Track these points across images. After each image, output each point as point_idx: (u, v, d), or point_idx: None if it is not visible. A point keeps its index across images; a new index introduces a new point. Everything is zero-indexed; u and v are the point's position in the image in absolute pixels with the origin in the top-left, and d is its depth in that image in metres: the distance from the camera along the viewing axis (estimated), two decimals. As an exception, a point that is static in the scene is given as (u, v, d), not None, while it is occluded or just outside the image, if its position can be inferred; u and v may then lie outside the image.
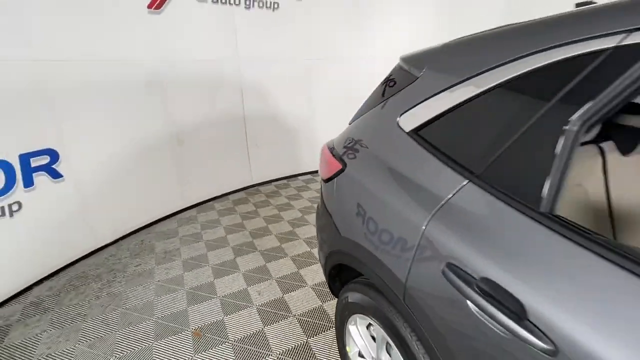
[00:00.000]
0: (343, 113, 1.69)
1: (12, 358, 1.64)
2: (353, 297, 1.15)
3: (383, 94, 1.18)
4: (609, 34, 0.57)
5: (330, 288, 1.43)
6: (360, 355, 1.26)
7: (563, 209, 0.61)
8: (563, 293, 0.54)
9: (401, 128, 0.99)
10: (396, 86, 1.12)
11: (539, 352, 0.53)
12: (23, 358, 1.64)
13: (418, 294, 0.80)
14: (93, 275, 2.27)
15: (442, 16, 3.85)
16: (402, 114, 1.01)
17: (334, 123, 2.01)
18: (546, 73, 0.68)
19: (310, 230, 2.75)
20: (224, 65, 3.20)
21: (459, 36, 0.98)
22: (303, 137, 3.93)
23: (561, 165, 0.59)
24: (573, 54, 0.63)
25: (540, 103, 0.66)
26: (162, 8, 2.65)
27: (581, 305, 0.52)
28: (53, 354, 1.65)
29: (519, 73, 0.72)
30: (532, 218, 0.62)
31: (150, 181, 2.85)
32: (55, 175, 2.20)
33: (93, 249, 2.50)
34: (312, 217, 2.93)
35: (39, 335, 1.78)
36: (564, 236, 0.57)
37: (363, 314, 1.11)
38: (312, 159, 3.95)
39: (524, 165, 0.67)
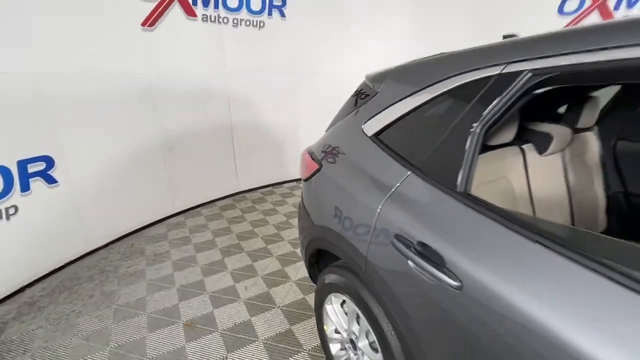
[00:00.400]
0: (323, 122, 1.91)
1: (10, 352, 1.73)
2: (329, 278, 1.34)
3: (355, 104, 1.40)
4: (496, 64, 0.81)
5: (310, 276, 1.62)
6: (337, 332, 1.44)
7: (492, 196, 0.83)
8: (469, 248, 0.76)
9: (365, 133, 1.22)
10: (365, 98, 1.35)
11: (452, 289, 0.74)
12: (20, 351, 1.73)
13: (376, 262, 1.00)
14: (86, 277, 2.37)
15: (412, 39, 4.20)
16: (366, 121, 1.24)
17: (315, 132, 2.22)
18: (464, 89, 0.91)
19: (294, 232, 2.93)
20: (212, 78, 3.40)
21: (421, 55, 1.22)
22: (287, 145, 4.14)
23: (469, 158, 0.82)
24: (478, 77, 0.86)
25: (458, 111, 0.90)
26: (155, 26, 2.85)
27: (480, 255, 0.74)
28: (50, 347, 1.75)
29: (447, 89, 0.96)
30: (452, 197, 0.84)
31: (141, 187, 2.98)
32: (51, 180, 2.32)
33: (85, 252, 2.60)
34: (295, 221, 3.11)
35: (35, 331, 1.87)
36: (474, 209, 0.79)
37: (337, 292, 1.30)
38: (296, 166, 4.15)
39: (447, 158, 0.89)
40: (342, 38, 4.06)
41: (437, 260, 0.78)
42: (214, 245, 2.76)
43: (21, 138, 2.15)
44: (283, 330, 1.81)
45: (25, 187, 2.17)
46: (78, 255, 2.55)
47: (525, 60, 0.76)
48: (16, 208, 2.13)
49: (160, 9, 2.87)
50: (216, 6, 3.26)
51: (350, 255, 1.10)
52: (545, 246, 0.64)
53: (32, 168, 2.20)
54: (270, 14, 3.65)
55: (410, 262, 0.85)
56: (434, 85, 0.99)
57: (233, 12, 3.39)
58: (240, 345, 1.72)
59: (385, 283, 0.97)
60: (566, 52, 0.69)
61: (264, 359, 1.64)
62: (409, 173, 0.97)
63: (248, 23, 3.51)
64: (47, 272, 2.36)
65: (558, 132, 1.18)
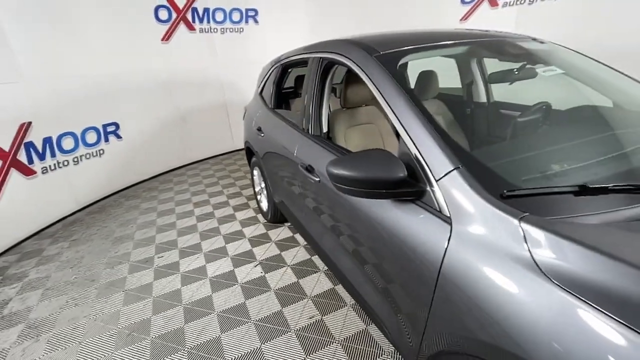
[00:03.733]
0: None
1: (126, 224, 3.49)
2: (252, 161, 2.96)
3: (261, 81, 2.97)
4: (312, 52, 2.33)
5: (248, 161, 3.23)
6: (257, 186, 3.07)
7: (361, 142, 2.39)
8: (316, 158, 2.33)
9: (260, 94, 2.80)
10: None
11: (317, 181, 2.27)
12: (139, 213, 3.49)
13: (264, 156, 2.61)
14: (137, 194, 4.12)
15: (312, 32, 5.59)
16: (260, 88, 2.82)
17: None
18: (304, 62, 2.46)
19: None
20: (209, 71, 5.01)
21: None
22: (267, 116, 5.73)
23: (313, 111, 2.39)
24: (302, 59, 2.37)
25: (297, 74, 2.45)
26: (169, 40, 4.47)
27: (318, 162, 2.30)
28: (148, 217, 3.50)
29: (293, 60, 2.50)
30: (306, 137, 2.40)
31: (166, 144, 4.69)
32: (118, 136, 4.06)
33: (135, 182, 4.36)
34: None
35: (129, 211, 3.63)
36: (315, 141, 2.35)
37: (255, 166, 2.93)
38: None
39: (301, 106, 2.43)
40: (296, 36, 5.53)
41: (311, 170, 2.26)
42: (216, 183, 4.43)
43: (102, 112, 3.88)
44: (258, 278, 3.47)
45: (106, 140, 3.92)
46: (131, 184, 4.32)
47: (317, 52, 2.24)
48: (103, 151, 3.88)
49: (172, 28, 4.49)
50: (208, 21, 4.83)
51: (257, 152, 2.70)
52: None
53: (109, 128, 3.94)
54: (247, 22, 5.18)
55: (303, 171, 2.41)
56: (291, 58, 2.48)
57: (220, 24, 4.95)
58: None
59: (259, 150, 2.57)
60: (316, 52, 2.21)
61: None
62: (268, 110, 2.54)
63: (231, 30, 5.07)
64: (117, 189, 4.14)
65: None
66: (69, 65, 3.48)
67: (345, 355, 1.62)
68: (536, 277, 0.69)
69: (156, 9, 4.33)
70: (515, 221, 0.76)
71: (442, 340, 0.90)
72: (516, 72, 1.57)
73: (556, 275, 0.67)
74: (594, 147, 1.13)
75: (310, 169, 1.69)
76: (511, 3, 4.70)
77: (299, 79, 3.05)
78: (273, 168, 2.38)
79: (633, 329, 0.55)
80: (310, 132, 1.85)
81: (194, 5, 4.68)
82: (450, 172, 0.90)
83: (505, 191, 0.83)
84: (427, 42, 1.45)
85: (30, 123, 3.14)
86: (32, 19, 3.13)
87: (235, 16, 5.06)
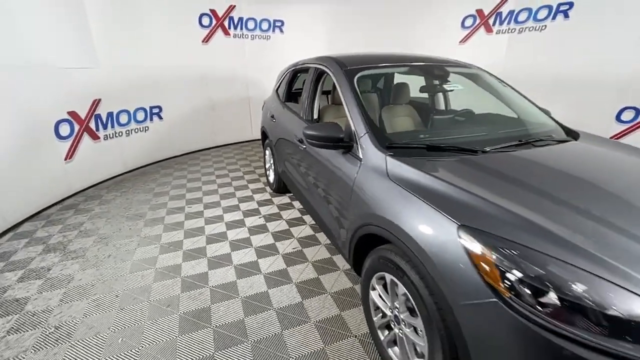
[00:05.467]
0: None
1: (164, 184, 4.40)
2: (265, 143, 3.79)
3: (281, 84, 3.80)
4: (311, 63, 3.15)
5: (262, 143, 4.06)
6: (268, 167, 3.88)
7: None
8: (286, 132, 3.15)
9: (277, 93, 3.63)
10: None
11: (304, 148, 3.10)
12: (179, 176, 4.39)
13: (271, 133, 3.44)
14: (171, 165, 5.03)
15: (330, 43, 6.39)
16: (277, 88, 3.65)
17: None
18: (306, 70, 3.29)
19: (276, 155, 5.39)
20: (238, 70, 5.92)
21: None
22: (284, 113, 6.59)
23: (307, 104, 3.20)
24: (308, 66, 3.19)
25: (304, 77, 3.28)
26: (208, 42, 5.40)
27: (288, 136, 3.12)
28: (181, 180, 4.40)
29: (301, 67, 3.33)
30: (302, 121, 3.22)
31: (198, 128, 5.61)
32: (160, 118, 4.99)
33: (172, 156, 5.29)
34: (279, 151, 5.57)
35: (168, 176, 4.53)
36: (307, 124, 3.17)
37: (268, 147, 3.75)
38: (288, 126, 6.58)
39: (301, 101, 3.24)
40: (315, 45, 6.38)
41: (304, 139, 3.10)
42: (235, 163, 5.29)
43: (150, 96, 4.82)
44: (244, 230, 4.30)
45: (151, 119, 4.85)
46: (170, 156, 5.24)
47: (313, 63, 3.05)
48: (148, 127, 4.82)
49: (211, 33, 5.42)
50: (241, 28, 5.74)
51: (269, 134, 3.53)
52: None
53: (154, 110, 4.87)
54: (274, 31, 6.07)
55: (298, 143, 3.19)
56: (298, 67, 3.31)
57: (251, 31, 5.86)
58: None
59: (271, 133, 3.39)
60: (314, 63, 3.02)
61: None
62: (280, 103, 3.37)
63: (260, 37, 5.96)
64: (155, 160, 5.06)
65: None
66: (130, 58, 4.43)
67: (334, 304, 2.39)
68: (388, 180, 1.45)
69: (200, 16, 5.27)
70: (384, 156, 1.52)
71: (358, 220, 1.64)
72: (437, 86, 2.33)
73: (395, 178, 1.43)
74: (446, 129, 1.90)
75: (300, 141, 2.47)
76: (503, 31, 5.42)
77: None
78: (279, 145, 3.19)
79: (422, 200, 1.29)
80: (305, 118, 2.64)
81: (231, 14, 5.60)
82: (363, 135, 1.68)
83: (387, 144, 1.60)
84: (381, 62, 2.23)
85: (100, 100, 4.09)
86: (110, 21, 4.09)
87: (264, 25, 5.96)
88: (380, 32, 6.19)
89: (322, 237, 2.82)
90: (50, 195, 3.56)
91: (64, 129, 3.66)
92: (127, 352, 1.71)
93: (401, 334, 1.44)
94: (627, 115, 4.18)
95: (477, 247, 1.01)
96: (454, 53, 5.96)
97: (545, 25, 4.91)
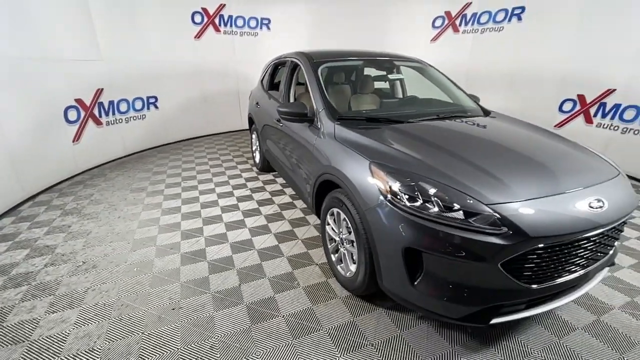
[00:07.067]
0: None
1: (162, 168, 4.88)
2: (252, 128, 4.31)
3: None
4: (287, 57, 3.68)
5: (249, 128, 4.59)
6: (255, 149, 4.41)
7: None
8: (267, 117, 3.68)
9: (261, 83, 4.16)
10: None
11: (281, 126, 3.65)
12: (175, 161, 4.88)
13: (255, 114, 3.96)
14: (167, 150, 5.51)
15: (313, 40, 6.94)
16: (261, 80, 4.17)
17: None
18: (283, 63, 3.82)
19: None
20: (228, 65, 6.40)
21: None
22: (271, 104, 7.11)
23: (285, 90, 3.73)
24: (285, 60, 3.73)
25: (283, 71, 3.81)
26: (200, 38, 5.87)
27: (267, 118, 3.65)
28: (177, 164, 4.88)
29: (281, 61, 3.86)
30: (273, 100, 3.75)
31: (191, 118, 6.08)
32: (156, 107, 5.46)
33: (167, 142, 5.76)
34: (266, 139, 6.09)
35: (163, 160, 5.01)
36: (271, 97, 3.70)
37: (255, 131, 4.27)
38: (275, 117, 7.11)
39: (280, 89, 3.77)
40: (299, 42, 6.89)
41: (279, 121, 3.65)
42: (226, 148, 5.79)
43: (147, 87, 5.28)
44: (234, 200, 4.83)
45: (148, 108, 5.32)
46: (165, 143, 5.72)
47: (290, 57, 3.57)
48: (145, 116, 5.29)
49: (202, 29, 5.89)
50: (231, 25, 6.23)
51: (255, 118, 4.06)
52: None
53: (150, 100, 5.34)
54: (261, 28, 6.57)
55: (275, 120, 3.73)
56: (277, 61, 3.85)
57: (240, 28, 6.35)
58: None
59: (256, 118, 3.92)
60: (290, 57, 3.56)
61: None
62: (264, 92, 3.89)
63: (248, 34, 6.45)
64: (152, 146, 5.53)
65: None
66: (129, 51, 4.89)
67: (304, 247, 2.95)
68: (335, 141, 2.01)
69: (193, 14, 5.74)
70: (334, 125, 2.09)
71: (317, 172, 2.19)
72: (386, 76, 2.92)
73: (340, 139, 1.99)
74: (391, 109, 2.49)
75: (278, 120, 3.01)
76: (468, 31, 6.04)
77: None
78: (263, 128, 3.73)
79: (357, 153, 1.85)
80: (283, 102, 3.18)
81: (222, 12, 6.07)
82: (321, 110, 2.24)
83: (337, 117, 2.16)
84: (343, 56, 2.79)
85: (102, 89, 4.55)
86: (111, 18, 4.54)
87: (252, 23, 6.45)
88: (359, 31, 6.75)
89: (299, 203, 3.37)
90: (61, 172, 4.02)
91: (72, 114, 4.13)
92: (143, 275, 2.24)
93: (344, 250, 2.00)
94: (567, 106, 4.83)
95: (378, 173, 1.58)
96: (426, 50, 6.57)
97: (503, 27, 5.53)
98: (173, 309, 1.93)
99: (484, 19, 5.76)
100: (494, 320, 1.42)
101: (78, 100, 4.20)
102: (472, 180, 1.47)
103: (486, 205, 1.36)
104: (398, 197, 1.48)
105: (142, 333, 1.76)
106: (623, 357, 1.61)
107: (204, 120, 6.35)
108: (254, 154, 4.49)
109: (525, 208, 1.36)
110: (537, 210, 1.36)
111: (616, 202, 1.49)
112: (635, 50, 3.96)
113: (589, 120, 4.58)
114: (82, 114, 4.28)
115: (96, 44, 4.38)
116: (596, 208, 1.42)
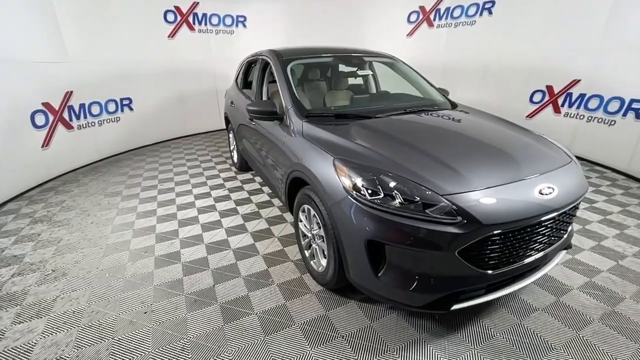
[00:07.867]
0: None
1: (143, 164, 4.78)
2: (229, 127, 4.28)
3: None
4: (258, 55, 3.66)
5: (226, 127, 4.55)
6: (232, 149, 4.38)
7: None
8: (239, 112, 3.66)
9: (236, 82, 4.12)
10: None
11: (254, 124, 3.63)
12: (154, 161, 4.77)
13: (231, 115, 3.93)
14: (144, 152, 5.40)
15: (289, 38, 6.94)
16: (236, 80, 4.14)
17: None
18: (255, 61, 3.79)
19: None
20: (205, 63, 6.30)
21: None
22: (250, 103, 7.06)
23: (257, 89, 3.71)
24: (256, 57, 3.70)
25: (254, 66, 3.79)
26: (174, 37, 5.76)
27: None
28: (160, 164, 4.79)
29: (253, 59, 3.84)
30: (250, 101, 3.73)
31: (167, 119, 5.97)
32: (131, 109, 5.33)
33: (144, 145, 5.65)
34: (246, 137, 6.04)
35: (146, 160, 4.91)
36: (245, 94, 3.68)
37: (231, 130, 4.24)
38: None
39: (252, 87, 3.75)
40: (275, 39, 6.86)
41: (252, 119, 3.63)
42: (205, 149, 5.72)
43: (121, 88, 5.15)
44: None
45: (122, 110, 5.20)
46: (141, 145, 5.60)
47: (261, 55, 3.56)
48: (119, 118, 5.16)
49: (176, 28, 5.78)
50: (205, 24, 6.12)
51: (230, 117, 4.03)
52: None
53: (124, 101, 5.22)
54: (237, 26, 6.49)
55: (248, 119, 3.70)
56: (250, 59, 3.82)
57: (215, 26, 6.25)
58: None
59: (232, 117, 3.89)
60: (262, 55, 3.54)
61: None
62: (238, 90, 3.86)
63: (224, 32, 6.36)
64: (128, 149, 5.41)
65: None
66: (99, 52, 4.75)
67: (279, 244, 2.95)
68: (303, 138, 2.03)
69: (165, 13, 5.62)
70: (302, 122, 2.10)
71: (287, 169, 2.20)
72: (357, 72, 2.95)
73: (307, 136, 2.01)
74: (361, 104, 2.52)
75: (251, 119, 3.00)
76: (442, 25, 6.14)
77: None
78: (238, 127, 3.70)
79: (322, 149, 1.87)
80: (256, 101, 3.17)
81: (195, 10, 5.97)
82: (290, 108, 2.25)
83: (305, 114, 2.18)
84: (313, 53, 2.80)
85: (72, 92, 4.41)
86: (78, 17, 4.40)
87: (228, 21, 6.36)
88: (337, 27, 6.76)
89: (276, 201, 3.38)
90: (30, 179, 3.89)
91: (40, 119, 3.99)
92: (115, 281, 2.21)
93: (316, 246, 2.03)
94: (537, 97, 4.99)
95: (341, 168, 1.61)
96: (403, 45, 6.64)
97: (475, 21, 5.65)
98: (145, 313, 1.91)
99: (456, 13, 5.86)
100: (455, 307, 1.47)
101: (45, 104, 4.07)
102: (430, 173, 1.52)
103: (442, 196, 1.40)
104: (361, 192, 1.51)
105: (113, 338, 1.74)
106: (579, 334, 1.70)
107: (181, 121, 6.25)
108: (232, 154, 4.46)
109: (480, 197, 1.42)
110: (490, 198, 1.42)
111: (567, 188, 1.57)
112: (596, 40, 4.12)
113: (557, 110, 4.74)
114: (51, 118, 4.14)
115: (62, 45, 4.23)
116: (547, 194, 1.49)
